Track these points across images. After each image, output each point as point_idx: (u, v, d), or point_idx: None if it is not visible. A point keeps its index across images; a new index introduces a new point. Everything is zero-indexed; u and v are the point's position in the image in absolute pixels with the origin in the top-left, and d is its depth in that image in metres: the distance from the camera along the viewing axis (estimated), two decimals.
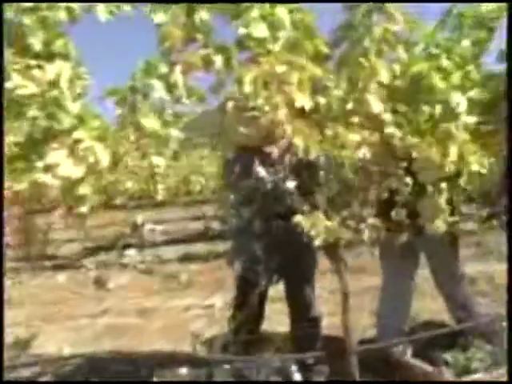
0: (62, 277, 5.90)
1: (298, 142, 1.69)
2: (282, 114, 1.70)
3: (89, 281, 5.61)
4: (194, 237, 7.57)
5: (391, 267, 2.84)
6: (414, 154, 1.81)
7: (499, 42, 1.94)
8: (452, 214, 2.21)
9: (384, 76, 1.81)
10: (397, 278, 2.83)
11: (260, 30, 1.80)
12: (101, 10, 1.65)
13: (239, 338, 2.60)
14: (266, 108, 1.71)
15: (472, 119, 1.87)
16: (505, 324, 2.27)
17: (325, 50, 1.86)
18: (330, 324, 2.91)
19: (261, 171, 2.32)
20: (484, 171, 1.96)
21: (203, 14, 1.78)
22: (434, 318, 3.34)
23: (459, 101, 1.80)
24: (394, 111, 1.87)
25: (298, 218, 1.78)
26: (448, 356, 2.45)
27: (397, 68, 1.91)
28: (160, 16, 1.68)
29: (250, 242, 2.45)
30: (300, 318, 2.58)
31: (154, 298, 4.79)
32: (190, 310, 4.34)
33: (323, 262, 2.44)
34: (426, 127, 1.83)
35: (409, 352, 2.64)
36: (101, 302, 4.75)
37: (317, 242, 1.77)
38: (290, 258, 2.47)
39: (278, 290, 2.79)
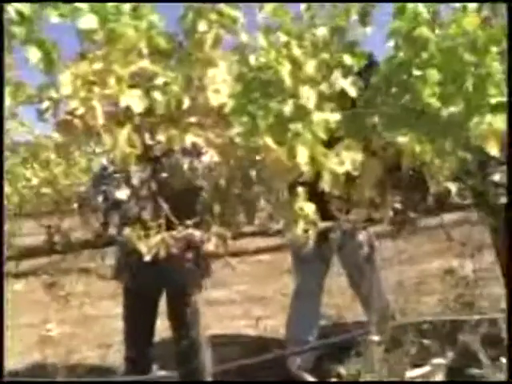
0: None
1: (115, 152, 1.48)
2: (98, 118, 1.49)
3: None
4: None
5: (301, 270, 2.66)
6: (259, 157, 1.61)
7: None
8: (330, 218, 2.02)
9: (222, 68, 1.60)
10: (306, 282, 2.65)
11: (86, 22, 1.59)
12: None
13: (129, 352, 2.43)
14: (81, 111, 1.50)
15: (328, 116, 1.66)
16: (374, 338, 2.08)
17: (163, 44, 1.66)
18: None
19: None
20: (355, 172, 1.78)
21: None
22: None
23: (309, 95, 1.59)
24: (242, 109, 1.66)
25: (126, 232, 1.59)
26: (342, 367, 2.27)
27: (251, 58, 1.70)
28: None
29: (134, 254, 2.25)
30: (180, 335, 2.38)
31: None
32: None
33: None
34: (274, 126, 1.61)
35: (308, 363, 2.47)
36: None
37: (146, 258, 1.58)
38: (170, 271, 2.27)
39: None
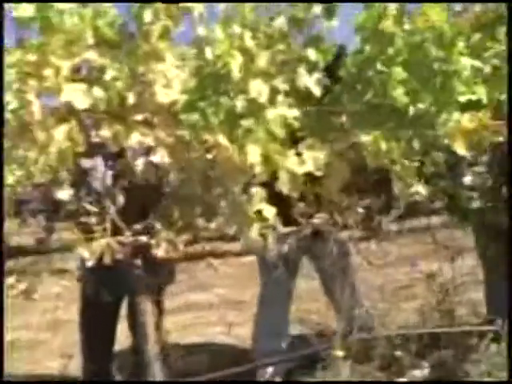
0: None
1: (50, 149, 1.37)
2: (34, 114, 1.38)
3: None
4: None
5: (266, 276, 2.54)
6: (210, 156, 1.50)
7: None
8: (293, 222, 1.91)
9: (172, 62, 1.49)
10: (271, 289, 2.54)
11: (22, 9, 1.48)
12: None
13: (87, 364, 2.31)
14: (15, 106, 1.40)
15: (286, 112, 1.56)
16: (339, 353, 1.97)
17: (111, 34, 1.55)
18: None
19: None
20: (318, 173, 1.68)
21: None
22: None
23: (260, 89, 1.49)
24: (193, 105, 1.55)
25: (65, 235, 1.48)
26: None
27: (207, 51, 1.60)
28: None
29: None
30: (133, 345, 2.25)
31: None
32: None
33: None
34: (226, 123, 1.51)
35: (279, 375, 2.36)
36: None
37: (89, 263, 1.47)
38: (129, 277, 2.15)
39: None
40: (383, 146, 1.61)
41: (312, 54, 1.77)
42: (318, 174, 1.68)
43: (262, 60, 1.51)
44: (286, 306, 2.57)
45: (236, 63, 1.49)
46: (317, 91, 1.72)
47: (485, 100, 1.79)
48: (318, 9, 1.79)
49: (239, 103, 1.49)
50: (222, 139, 1.48)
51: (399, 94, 1.59)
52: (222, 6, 1.55)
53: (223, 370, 2.23)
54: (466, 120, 1.59)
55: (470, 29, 1.64)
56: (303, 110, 1.76)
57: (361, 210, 1.83)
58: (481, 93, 1.75)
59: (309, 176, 1.70)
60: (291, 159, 1.58)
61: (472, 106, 1.79)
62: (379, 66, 1.63)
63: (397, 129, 1.64)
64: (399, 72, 1.59)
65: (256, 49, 1.50)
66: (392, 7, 1.75)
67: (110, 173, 1.73)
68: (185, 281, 4.18)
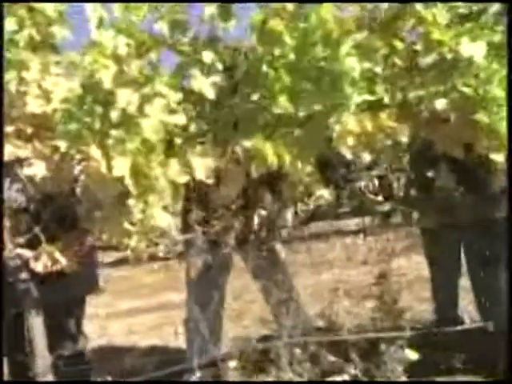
0: None
1: None
2: None
3: None
4: None
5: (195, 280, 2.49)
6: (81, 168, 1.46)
7: None
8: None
9: (35, 69, 1.45)
10: (203, 290, 2.48)
11: None
12: None
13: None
14: None
15: (167, 119, 1.51)
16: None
17: None
18: None
19: None
20: (208, 180, 1.63)
21: None
22: None
23: (130, 99, 1.44)
24: (70, 115, 1.50)
25: None
26: None
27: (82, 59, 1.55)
28: None
29: None
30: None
31: None
32: None
33: None
34: (100, 134, 1.46)
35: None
36: None
37: None
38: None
39: None
40: (269, 149, 1.56)
41: (207, 56, 1.73)
42: (209, 181, 1.64)
43: (133, 68, 1.46)
44: (218, 308, 2.52)
45: (107, 72, 1.44)
46: (211, 94, 1.68)
47: (387, 100, 1.74)
48: (211, 9, 1.75)
49: (113, 113, 1.45)
50: (94, 150, 1.43)
51: (283, 99, 1.54)
52: (91, 8, 1.50)
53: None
54: (353, 122, 1.53)
55: (356, 28, 1.57)
56: (198, 114, 1.73)
57: (261, 215, 1.78)
58: (381, 93, 1.70)
59: (202, 184, 1.66)
60: (172, 168, 1.53)
61: (372, 107, 1.73)
62: (265, 68, 1.57)
63: (286, 133, 1.59)
64: (283, 75, 1.53)
65: (127, 57, 1.45)
66: (290, 6, 1.69)
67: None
68: None
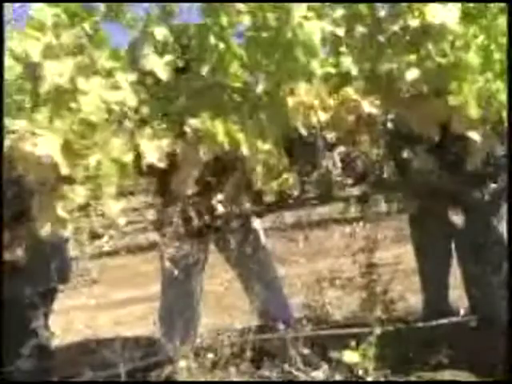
0: None
1: None
2: None
3: None
4: None
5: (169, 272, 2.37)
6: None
7: None
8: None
9: None
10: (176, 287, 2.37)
11: None
12: None
13: None
14: None
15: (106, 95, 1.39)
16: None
17: None
18: None
19: None
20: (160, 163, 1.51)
21: None
22: None
23: (61, 70, 1.32)
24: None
25: None
26: None
27: None
28: None
29: None
30: None
31: None
32: None
33: None
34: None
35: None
36: None
37: None
38: None
39: None
40: (218, 128, 1.43)
41: (160, 32, 1.60)
42: (161, 165, 1.52)
43: (65, 39, 1.34)
44: (193, 301, 2.41)
45: (36, 44, 1.33)
46: (162, 75, 1.55)
47: (354, 72, 1.59)
48: None
49: (43, 88, 1.33)
50: (23, 128, 1.32)
51: (234, 70, 1.41)
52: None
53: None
54: (309, 93, 1.39)
55: None
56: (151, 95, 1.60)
57: (218, 201, 1.65)
58: (347, 66, 1.56)
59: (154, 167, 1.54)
60: (115, 147, 1.41)
61: (338, 79, 1.59)
62: (213, 40, 1.44)
63: (237, 109, 1.46)
64: (232, 45, 1.40)
65: (56, 27, 1.33)
66: None
67: None
68: None
